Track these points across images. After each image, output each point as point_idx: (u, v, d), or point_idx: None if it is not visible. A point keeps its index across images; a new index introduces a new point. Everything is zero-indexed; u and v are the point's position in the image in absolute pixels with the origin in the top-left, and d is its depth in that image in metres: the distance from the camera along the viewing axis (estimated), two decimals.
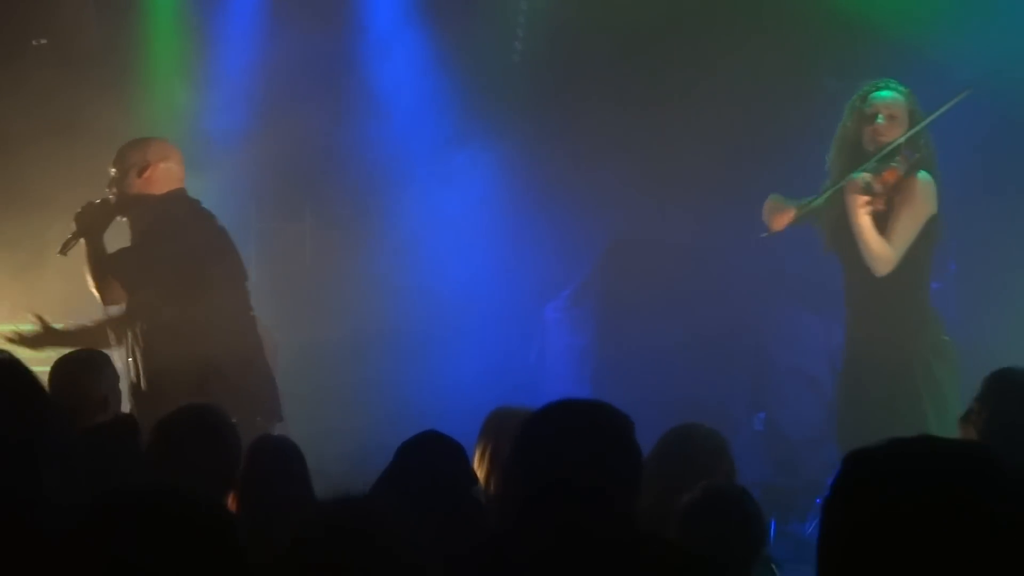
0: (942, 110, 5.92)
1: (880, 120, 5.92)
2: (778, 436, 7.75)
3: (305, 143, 8.78)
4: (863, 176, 5.91)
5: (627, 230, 8.60)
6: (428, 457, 3.27)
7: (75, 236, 5.94)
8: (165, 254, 5.75)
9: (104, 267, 5.86)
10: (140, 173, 5.88)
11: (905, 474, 1.70)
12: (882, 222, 5.96)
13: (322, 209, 9.17)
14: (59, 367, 4.80)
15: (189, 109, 8.45)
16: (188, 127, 8.44)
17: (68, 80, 8.06)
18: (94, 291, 5.94)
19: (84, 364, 4.84)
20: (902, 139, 5.92)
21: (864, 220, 5.91)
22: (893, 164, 5.93)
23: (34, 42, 8.36)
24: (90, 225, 5.91)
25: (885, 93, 5.97)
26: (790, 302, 7.82)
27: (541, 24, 8.87)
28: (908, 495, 1.67)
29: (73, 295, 7.42)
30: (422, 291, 8.71)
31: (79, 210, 5.95)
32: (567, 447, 2.68)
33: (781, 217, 6.15)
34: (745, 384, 8.11)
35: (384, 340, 8.56)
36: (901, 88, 6.01)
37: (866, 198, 5.89)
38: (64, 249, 5.99)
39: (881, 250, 5.91)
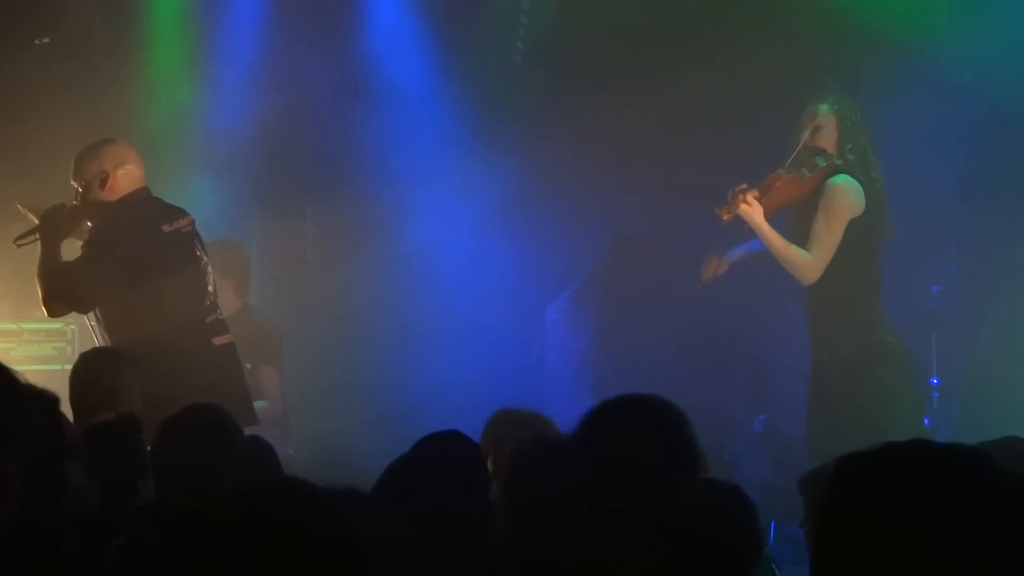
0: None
1: (804, 133, 6.27)
2: (779, 437, 7.76)
3: (306, 142, 8.78)
4: (734, 189, 6.23)
5: (628, 231, 8.60)
6: (448, 454, 3.27)
7: (33, 232, 5.88)
8: (107, 266, 5.70)
9: (52, 275, 5.80)
10: (102, 184, 5.84)
11: (899, 478, 1.70)
12: (806, 230, 6.20)
13: (323, 208, 9.16)
14: (80, 359, 5.17)
15: (191, 108, 8.45)
16: (190, 125, 8.45)
17: (71, 79, 8.06)
18: (42, 299, 5.86)
19: (100, 356, 5.15)
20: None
21: (768, 234, 6.20)
22: (804, 172, 6.22)
23: (37, 41, 8.35)
24: (53, 227, 5.86)
25: (815, 107, 6.31)
26: (791, 302, 7.82)
27: (543, 25, 8.87)
28: (902, 499, 1.67)
29: None
30: (422, 291, 8.70)
31: (48, 209, 5.89)
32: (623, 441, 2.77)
33: (710, 266, 6.58)
34: (746, 385, 8.12)
35: (383, 340, 8.56)
36: (833, 100, 6.32)
37: (751, 209, 6.18)
38: (19, 240, 5.93)
39: (796, 259, 6.18)
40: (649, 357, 7.92)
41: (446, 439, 3.35)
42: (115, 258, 5.71)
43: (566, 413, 3.68)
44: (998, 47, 7.37)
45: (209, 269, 6.04)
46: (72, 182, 5.94)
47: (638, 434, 2.82)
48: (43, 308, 5.91)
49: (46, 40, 8.32)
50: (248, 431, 4.42)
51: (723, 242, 6.62)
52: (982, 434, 3.95)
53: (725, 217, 6.28)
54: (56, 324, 7.99)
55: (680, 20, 8.24)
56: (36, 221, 5.92)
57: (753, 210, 6.20)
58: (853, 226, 6.18)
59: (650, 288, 8.23)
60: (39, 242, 5.88)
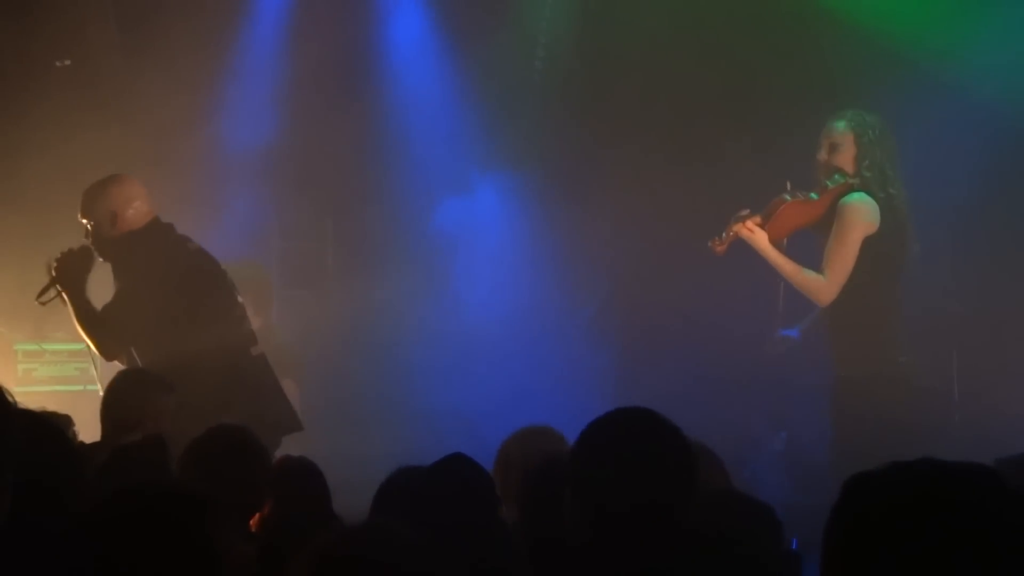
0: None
1: (821, 151, 6.27)
2: (799, 455, 7.73)
3: (327, 161, 8.81)
4: (738, 215, 6.25)
5: (649, 247, 8.59)
6: (455, 479, 3.28)
7: (51, 284, 5.92)
8: (155, 294, 5.77)
9: (94, 322, 5.86)
10: (112, 223, 5.91)
11: (907, 498, 1.69)
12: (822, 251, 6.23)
13: (343, 227, 9.19)
14: (114, 379, 5.17)
15: (212, 127, 8.49)
16: (211, 145, 8.48)
17: (92, 100, 8.11)
18: (90, 346, 5.95)
19: (133, 378, 5.19)
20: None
21: (776, 259, 6.22)
22: (812, 195, 6.26)
23: (58, 63, 8.40)
24: (68, 274, 5.90)
25: (831, 124, 6.31)
26: (811, 319, 7.81)
27: (561, 43, 8.88)
28: (910, 519, 1.67)
29: None
30: (443, 311, 8.71)
31: (57, 259, 5.93)
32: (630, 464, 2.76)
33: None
34: (766, 403, 8.10)
35: (404, 360, 8.57)
36: (850, 116, 6.31)
37: (753, 235, 6.21)
38: (40, 297, 5.98)
39: (809, 283, 6.21)
40: (669, 374, 7.91)
41: (452, 463, 3.36)
42: (152, 285, 5.78)
43: None
44: (1017, 62, 7.36)
45: (233, 281, 6.12)
46: (81, 219, 6.00)
47: (633, 450, 2.84)
48: (95, 351, 6.01)
49: (67, 62, 8.38)
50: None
51: (751, 258, 6.63)
52: (1001, 451, 3.94)
53: (719, 249, 6.25)
54: (78, 344, 8.03)
55: (697, 39, 8.24)
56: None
57: (756, 236, 6.18)
58: (868, 244, 6.15)
59: (671, 305, 8.22)
60: (63, 295, 5.92)
